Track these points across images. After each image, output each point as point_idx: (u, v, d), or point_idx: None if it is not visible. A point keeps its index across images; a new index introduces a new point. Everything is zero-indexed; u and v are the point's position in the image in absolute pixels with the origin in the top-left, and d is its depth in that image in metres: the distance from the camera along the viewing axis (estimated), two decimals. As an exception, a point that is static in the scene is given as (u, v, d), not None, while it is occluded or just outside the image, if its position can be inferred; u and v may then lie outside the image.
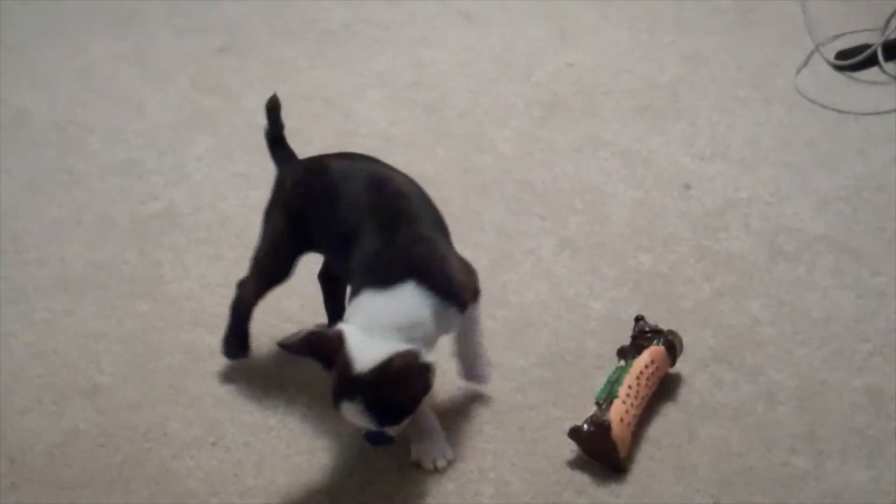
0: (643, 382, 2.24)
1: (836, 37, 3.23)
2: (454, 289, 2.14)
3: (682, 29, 3.31)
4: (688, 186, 2.80)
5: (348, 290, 2.19)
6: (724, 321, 2.46)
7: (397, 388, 2.03)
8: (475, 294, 2.22)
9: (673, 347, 2.31)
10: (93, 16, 3.47)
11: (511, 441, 2.25)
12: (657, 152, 2.90)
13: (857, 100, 3.04)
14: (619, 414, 2.17)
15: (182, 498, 2.18)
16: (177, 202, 2.80)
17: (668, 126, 2.98)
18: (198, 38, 3.36)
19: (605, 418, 2.16)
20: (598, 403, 2.20)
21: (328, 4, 3.47)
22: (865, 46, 3.14)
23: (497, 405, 2.31)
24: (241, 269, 2.37)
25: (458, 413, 2.29)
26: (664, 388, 2.31)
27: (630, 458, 2.20)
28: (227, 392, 2.36)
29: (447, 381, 2.36)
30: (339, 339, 2.03)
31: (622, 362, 2.28)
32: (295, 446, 2.23)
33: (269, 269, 2.33)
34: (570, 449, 2.21)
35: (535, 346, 2.42)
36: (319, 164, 2.30)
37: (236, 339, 2.38)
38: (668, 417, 2.28)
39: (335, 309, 2.37)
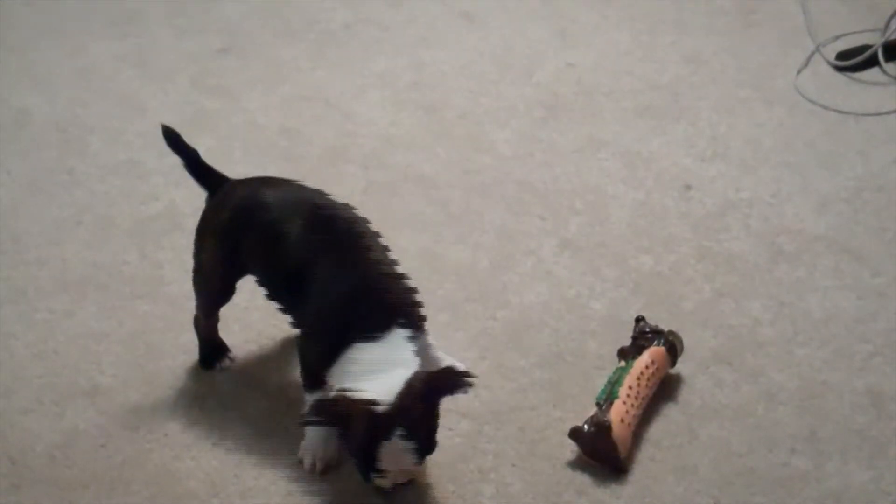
0: (644, 383, 2.24)
1: (837, 37, 3.23)
2: (422, 321, 2.18)
3: (682, 29, 3.31)
4: (688, 187, 2.80)
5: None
6: (725, 322, 2.46)
7: (426, 408, 2.05)
8: (424, 321, 2.22)
9: (673, 348, 2.31)
10: (93, 16, 3.47)
11: (511, 441, 2.25)
12: (658, 153, 2.90)
13: (858, 100, 3.04)
14: (619, 414, 2.17)
15: (183, 499, 2.18)
16: (177, 203, 2.80)
17: (668, 127, 2.98)
18: (198, 39, 3.36)
19: (605, 419, 2.16)
20: (598, 404, 2.20)
21: (329, 5, 3.47)
22: (866, 47, 3.14)
23: (497, 406, 2.31)
24: (242, 269, 2.37)
25: (458, 413, 2.29)
26: (665, 389, 2.31)
27: (630, 458, 2.20)
28: (228, 393, 2.36)
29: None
30: (348, 400, 2.02)
31: (623, 363, 2.28)
32: (295, 447, 2.23)
33: (210, 293, 2.34)
34: (571, 449, 2.21)
35: (536, 347, 2.42)
36: (255, 198, 2.24)
37: (207, 351, 2.40)
38: (669, 418, 2.28)
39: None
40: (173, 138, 2.30)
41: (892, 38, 3.15)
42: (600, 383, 2.26)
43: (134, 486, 2.20)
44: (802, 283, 2.54)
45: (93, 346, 2.46)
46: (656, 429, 2.26)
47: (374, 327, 2.08)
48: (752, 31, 3.30)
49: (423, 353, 2.20)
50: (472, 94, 3.12)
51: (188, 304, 2.50)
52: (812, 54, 3.19)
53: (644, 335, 2.31)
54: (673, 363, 2.32)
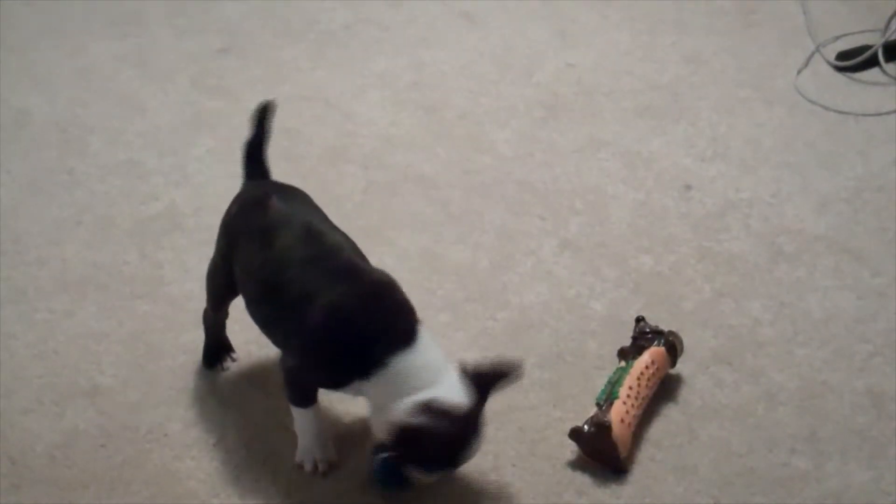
0: (644, 383, 2.24)
1: (837, 38, 3.23)
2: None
3: (682, 30, 3.31)
4: (688, 187, 2.80)
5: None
6: (725, 322, 2.46)
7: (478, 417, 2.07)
8: None
9: (673, 348, 2.31)
10: (93, 16, 3.47)
11: (511, 442, 2.25)
12: (658, 153, 2.90)
13: (858, 101, 3.04)
14: (619, 415, 2.17)
15: (183, 499, 2.18)
16: (178, 203, 2.80)
17: (668, 127, 2.98)
18: (198, 39, 3.36)
19: (605, 419, 2.16)
20: (598, 404, 2.20)
21: (329, 5, 3.47)
22: (866, 47, 3.14)
23: (497, 406, 2.30)
24: (242, 269, 2.37)
25: (458, 414, 2.29)
26: (665, 389, 2.31)
27: (630, 458, 2.20)
28: (229, 393, 2.36)
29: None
30: (441, 407, 2.01)
31: (623, 363, 2.28)
32: (296, 448, 2.23)
33: (214, 288, 2.33)
34: (571, 450, 2.21)
35: (536, 347, 2.42)
36: (259, 200, 2.22)
37: (210, 349, 2.39)
38: (669, 418, 2.28)
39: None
40: (266, 113, 2.31)
41: (893, 38, 3.15)
42: (600, 383, 2.26)
43: (134, 486, 2.20)
44: (802, 284, 2.54)
45: (93, 346, 2.46)
46: (656, 429, 2.26)
47: (404, 336, 2.04)
48: (752, 32, 3.30)
49: None
50: (472, 95, 3.12)
51: (188, 304, 2.50)
52: (812, 54, 3.19)
53: (644, 335, 2.31)
54: (673, 363, 2.32)
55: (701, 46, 3.25)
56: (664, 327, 2.33)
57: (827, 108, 3.02)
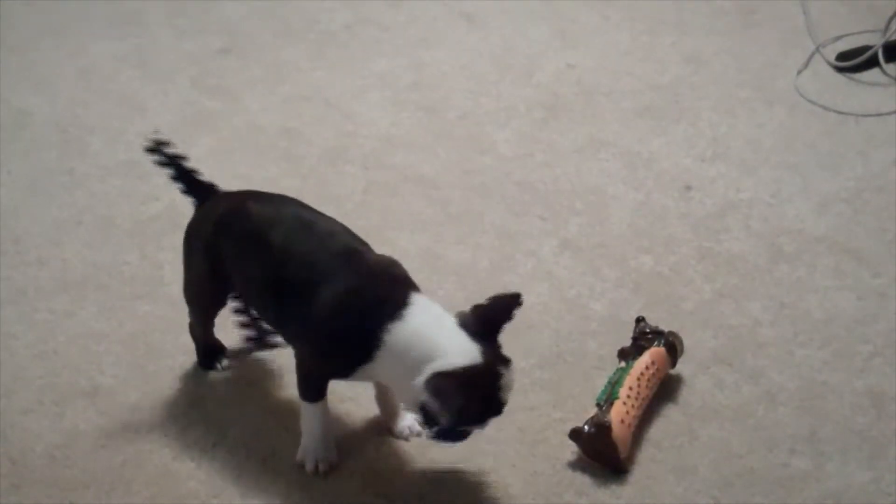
0: (644, 383, 2.24)
1: (837, 38, 3.23)
2: None
3: (682, 30, 3.31)
4: (689, 188, 2.80)
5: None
6: (725, 322, 2.46)
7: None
8: None
9: (674, 348, 2.31)
10: (93, 17, 3.47)
11: (512, 442, 2.25)
12: (658, 153, 2.90)
13: (858, 101, 3.04)
14: (619, 415, 2.17)
15: (183, 499, 2.18)
16: (178, 203, 2.78)
17: (668, 127, 2.98)
18: (198, 39, 3.36)
19: (605, 419, 2.16)
20: (598, 405, 2.20)
21: (329, 5, 3.47)
22: (866, 48, 3.14)
23: (498, 406, 2.31)
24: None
25: (458, 414, 2.29)
26: (665, 390, 2.31)
27: (631, 459, 2.20)
28: (228, 393, 2.36)
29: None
30: (455, 373, 1.99)
31: (623, 363, 2.28)
32: (296, 448, 2.23)
33: (201, 306, 2.33)
34: (571, 450, 2.21)
35: (536, 347, 2.42)
36: (238, 209, 2.21)
37: (205, 353, 2.39)
38: (669, 419, 2.28)
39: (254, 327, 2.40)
40: (159, 150, 2.26)
41: (893, 38, 3.15)
42: (600, 384, 2.26)
43: (134, 486, 2.20)
44: (803, 284, 2.54)
45: (93, 347, 2.46)
46: (656, 429, 2.26)
47: (392, 307, 2.04)
48: (752, 32, 3.30)
49: None
50: (472, 95, 3.12)
51: (188, 304, 2.50)
52: (812, 55, 3.19)
53: (644, 336, 2.31)
54: (673, 364, 2.33)
55: (701, 47, 3.25)
56: (664, 328, 2.33)
57: (827, 109, 3.02)
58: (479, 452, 2.23)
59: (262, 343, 2.41)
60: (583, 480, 2.18)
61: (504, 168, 2.88)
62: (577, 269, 2.60)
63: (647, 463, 2.21)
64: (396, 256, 2.61)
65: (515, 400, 2.31)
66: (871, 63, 3.13)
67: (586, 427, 2.17)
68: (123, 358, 2.43)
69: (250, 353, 2.41)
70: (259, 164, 2.92)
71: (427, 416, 2.02)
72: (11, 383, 2.39)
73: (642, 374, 2.25)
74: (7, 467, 2.24)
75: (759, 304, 2.50)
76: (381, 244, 2.63)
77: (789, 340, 2.42)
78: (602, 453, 2.17)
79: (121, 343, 2.46)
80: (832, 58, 3.17)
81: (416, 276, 2.56)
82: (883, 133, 2.94)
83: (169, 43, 3.36)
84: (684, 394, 2.33)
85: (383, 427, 2.26)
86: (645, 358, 2.27)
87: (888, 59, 3.13)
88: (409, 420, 2.24)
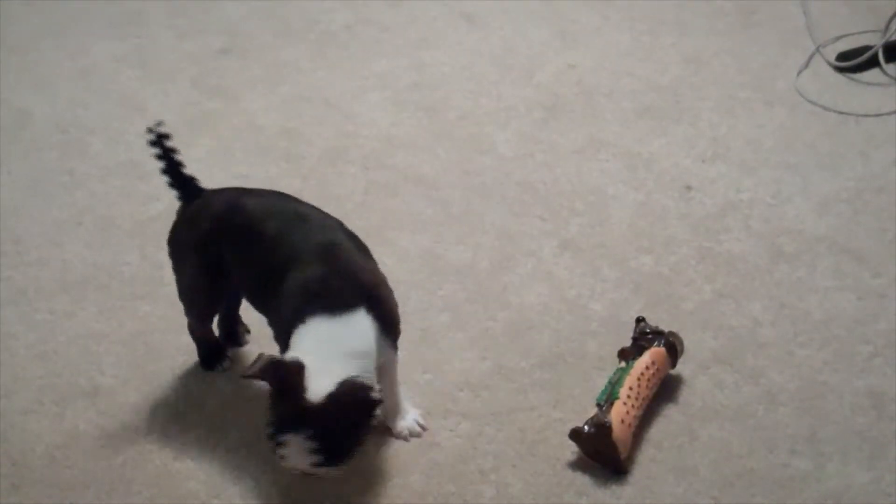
0: (644, 384, 2.24)
1: (837, 38, 3.23)
2: (394, 321, 2.15)
3: (683, 30, 3.31)
4: (689, 188, 2.80)
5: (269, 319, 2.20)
6: (725, 322, 2.46)
7: (347, 419, 1.99)
8: (399, 332, 2.20)
9: (674, 349, 2.31)
10: (94, 17, 3.47)
11: (512, 442, 2.25)
12: (658, 154, 2.90)
13: (858, 101, 3.04)
14: (619, 415, 2.17)
15: (183, 499, 2.18)
16: (178, 203, 2.79)
17: (669, 127, 2.98)
18: (199, 40, 3.36)
19: (605, 420, 2.16)
20: (598, 405, 2.20)
21: (329, 6, 3.47)
22: (866, 48, 3.14)
23: (497, 406, 2.31)
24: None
25: (458, 414, 2.29)
26: (665, 390, 2.31)
27: (631, 459, 2.20)
28: (229, 394, 2.36)
29: (448, 380, 2.36)
30: (298, 369, 1.99)
31: (623, 364, 2.28)
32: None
33: (199, 304, 2.33)
34: (571, 450, 2.21)
35: (536, 348, 2.42)
36: (234, 205, 2.23)
37: (206, 353, 2.39)
38: (669, 419, 2.28)
39: (228, 323, 2.42)
40: (161, 140, 2.27)
41: (893, 38, 3.15)
42: (601, 384, 2.26)
43: (134, 486, 2.20)
44: (803, 284, 2.54)
45: (93, 347, 2.46)
46: (657, 430, 2.26)
47: (333, 305, 2.05)
48: (752, 32, 3.30)
49: (386, 372, 2.18)
50: (472, 95, 3.12)
51: (189, 304, 2.50)
52: (812, 55, 3.19)
53: (644, 336, 2.31)
54: (673, 364, 2.33)
55: (701, 47, 3.25)
56: (664, 328, 2.33)
57: (827, 109, 3.02)
58: (479, 453, 2.23)
59: (234, 340, 2.42)
60: (583, 480, 2.18)
61: (504, 168, 2.88)
62: (578, 270, 2.60)
63: (648, 463, 2.21)
64: (397, 257, 2.62)
65: (516, 400, 2.32)
66: (872, 63, 3.13)
67: (586, 427, 2.17)
68: (123, 358, 2.43)
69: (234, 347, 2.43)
70: (259, 164, 2.92)
71: None
72: (12, 384, 2.39)
73: (642, 374, 2.25)
74: (7, 467, 2.24)
75: (760, 304, 2.50)
76: (382, 244, 2.64)
77: (789, 341, 2.42)
78: (602, 453, 2.17)
79: (121, 343, 2.46)
80: (832, 58, 3.17)
81: (416, 277, 2.57)
82: (883, 133, 2.94)
83: (169, 43, 3.36)
84: (684, 394, 2.33)
85: (383, 427, 2.26)
86: (645, 358, 2.27)
87: (888, 60, 3.12)
88: (409, 420, 2.25)
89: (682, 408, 2.30)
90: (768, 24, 3.33)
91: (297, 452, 2.00)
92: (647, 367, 2.26)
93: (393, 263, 2.61)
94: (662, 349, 2.29)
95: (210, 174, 2.89)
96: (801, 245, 2.63)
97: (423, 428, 2.26)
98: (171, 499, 2.18)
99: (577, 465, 2.20)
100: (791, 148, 2.91)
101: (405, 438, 2.25)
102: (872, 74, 3.12)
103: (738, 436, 2.24)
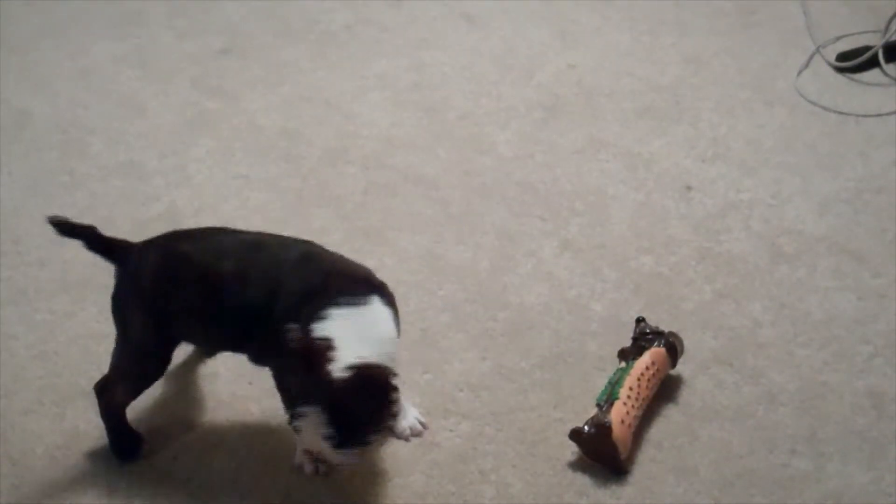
0: (644, 384, 2.24)
1: (837, 38, 3.23)
2: (398, 315, 2.13)
3: (683, 31, 3.31)
4: (689, 188, 2.80)
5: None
6: (725, 323, 2.46)
7: (363, 400, 1.97)
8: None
9: (674, 349, 2.31)
10: (94, 17, 3.47)
11: (512, 443, 2.25)
12: (658, 154, 2.90)
13: (858, 102, 3.04)
14: (619, 415, 2.17)
15: (183, 500, 2.18)
16: (178, 204, 2.80)
17: (669, 128, 2.98)
18: (199, 40, 3.36)
19: (605, 420, 2.16)
20: (598, 405, 2.20)
21: (329, 6, 3.47)
22: (866, 48, 3.14)
23: (498, 407, 2.31)
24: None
25: (458, 415, 2.29)
26: (665, 390, 2.31)
27: (631, 459, 2.20)
28: (229, 394, 2.36)
29: (448, 380, 2.36)
30: (327, 347, 1.97)
31: (623, 364, 2.28)
32: (296, 448, 2.23)
33: (140, 373, 2.22)
34: (571, 450, 2.21)
35: (536, 348, 2.42)
36: (174, 255, 2.16)
37: (124, 440, 2.25)
38: (669, 419, 2.28)
39: None
40: (65, 225, 2.17)
41: (893, 39, 3.15)
42: (601, 384, 2.26)
43: (135, 486, 2.20)
44: (803, 284, 2.54)
45: (93, 347, 2.46)
46: (657, 430, 2.26)
47: (353, 295, 2.03)
48: (752, 32, 3.30)
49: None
50: (472, 95, 3.12)
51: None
52: (813, 55, 3.19)
53: (644, 336, 2.31)
54: (673, 364, 2.32)
55: (701, 47, 3.25)
56: (664, 328, 2.33)
57: (827, 109, 3.02)
58: (479, 453, 2.23)
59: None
60: (583, 481, 2.18)
61: (504, 169, 2.88)
62: (578, 270, 2.60)
63: (648, 463, 2.21)
64: (397, 257, 2.62)
65: (516, 400, 2.32)
66: (872, 63, 3.13)
67: (586, 427, 2.17)
68: (124, 358, 2.43)
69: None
70: (259, 164, 2.92)
71: None
72: (12, 384, 2.39)
73: (642, 374, 2.25)
74: (7, 468, 2.24)
75: (760, 304, 2.50)
76: (382, 245, 2.65)
77: (789, 341, 2.42)
78: (602, 454, 2.17)
79: (121, 343, 2.46)
80: (832, 58, 3.16)
81: (416, 277, 2.57)
82: (883, 133, 2.94)
83: (169, 43, 3.36)
84: (684, 394, 2.33)
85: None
86: (645, 358, 2.27)
87: (888, 60, 3.12)
88: (410, 419, 2.25)
89: (682, 408, 2.30)
90: (768, 25, 3.33)
91: (311, 427, 2.00)
92: (647, 368, 2.26)
93: (393, 263, 2.61)
94: (662, 349, 2.29)
95: (210, 174, 2.90)
96: (802, 245, 2.63)
97: (425, 426, 2.25)
98: (171, 499, 2.18)
99: (577, 466, 2.20)
100: (791, 148, 2.91)
101: (407, 438, 2.25)
102: (872, 74, 3.12)
103: (738, 436, 2.24)
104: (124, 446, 2.25)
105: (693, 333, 2.41)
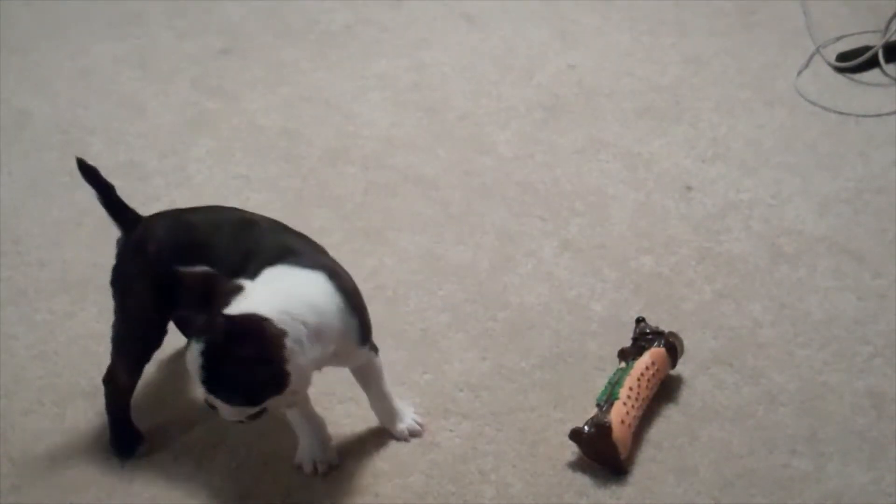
0: (644, 384, 2.24)
1: (837, 39, 3.23)
2: (361, 310, 2.10)
3: (683, 31, 3.31)
4: (689, 188, 2.80)
5: None
6: (725, 323, 2.46)
7: (238, 346, 1.92)
8: (370, 330, 2.15)
9: (674, 349, 2.31)
10: (94, 17, 3.47)
11: (512, 443, 2.25)
12: (658, 154, 2.90)
13: (858, 102, 3.04)
14: (619, 415, 2.17)
15: (184, 499, 2.18)
16: (178, 204, 2.79)
17: (669, 128, 2.98)
18: (199, 40, 3.36)
19: (605, 420, 2.16)
20: (598, 405, 2.20)
21: (329, 6, 3.47)
22: (866, 48, 3.14)
23: (498, 407, 2.31)
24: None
25: (458, 414, 2.29)
26: (665, 390, 2.31)
27: (631, 459, 2.20)
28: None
29: (448, 380, 2.36)
30: (234, 288, 1.96)
31: (623, 364, 2.28)
32: (296, 448, 2.23)
33: (141, 343, 2.23)
34: (571, 451, 2.21)
35: (536, 348, 2.42)
36: (179, 222, 2.20)
37: (124, 435, 2.26)
38: (669, 419, 2.28)
39: None
40: (90, 172, 2.20)
41: (893, 39, 3.15)
42: (601, 384, 2.26)
43: (134, 486, 2.20)
44: (803, 285, 2.54)
45: (93, 347, 2.46)
46: (657, 430, 2.26)
47: (295, 263, 2.04)
48: (752, 33, 3.30)
49: (368, 375, 2.18)
50: (472, 96, 3.12)
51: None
52: (813, 55, 3.19)
53: (644, 336, 2.31)
54: (673, 364, 2.32)
55: (701, 47, 3.25)
56: (664, 328, 2.33)
57: (827, 109, 3.02)
58: (479, 453, 2.23)
59: None
60: (583, 481, 2.18)
61: (504, 169, 2.88)
62: (578, 270, 2.60)
63: (648, 463, 2.21)
64: (397, 257, 2.62)
65: (516, 400, 2.32)
66: (872, 63, 3.13)
67: (586, 427, 2.17)
68: (124, 358, 2.43)
69: None
70: (259, 165, 2.92)
71: None
72: (12, 384, 2.39)
73: (642, 374, 2.25)
74: (7, 468, 2.24)
75: (760, 304, 2.50)
76: (382, 245, 2.65)
77: (789, 341, 2.42)
78: (602, 454, 2.17)
79: (121, 344, 2.46)
80: (832, 58, 3.17)
81: (416, 277, 2.57)
82: (883, 134, 2.94)
83: (169, 44, 3.36)
84: (684, 394, 2.33)
85: (384, 429, 2.26)
86: (645, 358, 2.27)
87: (888, 60, 3.13)
88: (407, 421, 2.25)
89: (682, 408, 2.30)
90: (768, 25, 3.33)
91: (191, 362, 1.96)
92: (647, 368, 2.26)
93: (393, 263, 2.61)
94: (662, 349, 2.29)
95: (210, 174, 2.90)
96: (802, 245, 2.63)
97: (423, 427, 2.26)
98: (171, 499, 2.18)
99: (577, 466, 2.20)
100: (791, 148, 2.91)
101: (406, 439, 2.25)
102: (872, 75, 3.12)
103: (738, 436, 2.24)
104: (124, 442, 2.25)
105: (693, 333, 2.41)
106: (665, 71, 3.18)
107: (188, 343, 1.98)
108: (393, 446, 2.24)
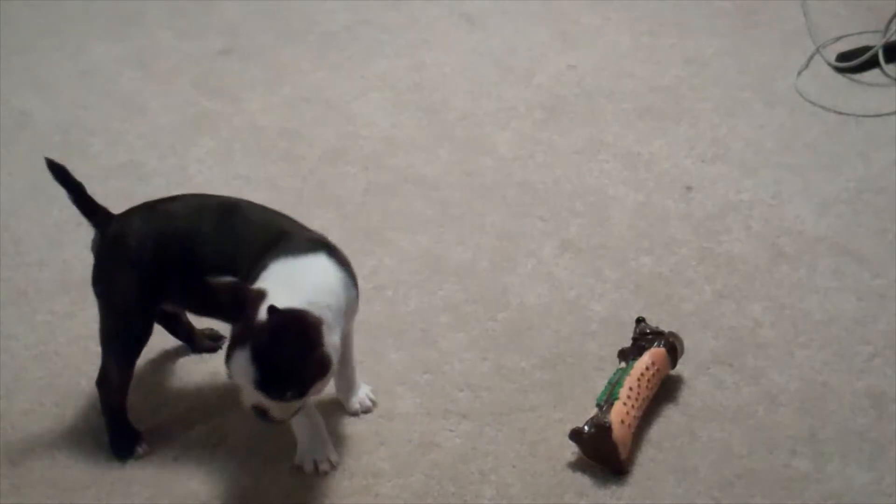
0: (644, 384, 2.24)
1: (838, 39, 3.23)
2: (356, 283, 2.15)
3: (683, 31, 3.31)
4: (689, 188, 2.80)
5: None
6: (726, 323, 2.46)
7: (283, 342, 1.96)
8: (357, 307, 2.19)
9: (674, 349, 2.31)
10: (94, 18, 3.47)
11: (512, 443, 2.25)
12: (658, 154, 2.90)
13: (859, 102, 3.04)
14: (619, 416, 2.17)
15: (184, 499, 2.18)
16: (178, 204, 2.80)
17: (669, 128, 2.98)
18: (199, 41, 3.36)
19: (605, 420, 2.16)
20: (598, 405, 2.20)
21: (330, 6, 3.47)
22: (866, 48, 3.14)
23: (498, 407, 2.31)
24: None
25: (458, 414, 2.29)
26: (665, 390, 2.31)
27: (631, 459, 2.20)
28: (230, 394, 2.36)
29: (448, 380, 2.36)
30: (259, 295, 1.99)
31: (623, 364, 2.28)
32: (296, 448, 2.23)
33: (130, 338, 2.22)
34: (571, 451, 2.21)
35: (536, 348, 2.42)
36: (159, 213, 2.21)
37: (122, 436, 2.26)
38: (669, 419, 2.28)
39: (184, 333, 2.42)
40: (60, 171, 2.21)
41: (893, 39, 3.15)
42: (601, 384, 2.26)
43: (135, 486, 2.20)
44: (803, 285, 2.54)
45: (93, 348, 2.45)
46: (657, 430, 2.26)
47: (296, 250, 2.08)
48: (752, 33, 3.30)
49: (344, 345, 2.16)
50: (472, 96, 3.12)
51: (189, 305, 2.50)
52: (813, 55, 3.19)
53: (644, 336, 2.31)
54: (673, 364, 2.32)
55: (702, 48, 3.25)
56: (664, 328, 2.33)
57: (827, 110, 3.02)
58: (479, 453, 2.23)
59: (201, 348, 2.43)
60: (583, 481, 2.18)
61: (504, 169, 2.88)
62: (578, 270, 2.60)
63: (648, 463, 2.21)
64: (397, 257, 2.62)
65: (516, 400, 2.32)
66: (872, 64, 3.13)
67: (586, 428, 2.17)
68: (124, 359, 2.43)
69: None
70: (259, 165, 2.92)
71: None
72: (12, 384, 2.39)
73: (642, 374, 2.25)
74: (7, 468, 2.24)
75: (760, 304, 2.50)
76: (382, 245, 2.65)
77: (790, 341, 2.42)
78: (602, 454, 2.17)
79: (121, 344, 2.46)
80: (832, 58, 3.17)
81: (416, 277, 2.58)
82: (883, 134, 2.94)
83: (169, 44, 3.36)
84: (684, 394, 2.33)
85: (382, 428, 2.27)
86: (645, 359, 2.27)
87: (888, 60, 3.13)
88: (360, 395, 2.28)
89: (682, 408, 2.30)
90: (768, 25, 3.33)
91: (239, 369, 2.00)
92: (647, 368, 2.26)
93: (393, 263, 2.61)
94: (662, 350, 2.29)
95: (210, 174, 2.90)
96: (802, 246, 2.63)
97: (374, 403, 2.28)
98: (171, 498, 2.18)
99: (577, 466, 2.20)
100: (791, 148, 2.91)
101: (356, 414, 2.27)
102: (872, 75, 3.12)
103: (738, 436, 2.24)
104: (123, 443, 2.25)
105: (693, 333, 2.41)
106: (665, 71, 3.18)
107: (229, 356, 2.01)
108: (393, 446, 2.24)
